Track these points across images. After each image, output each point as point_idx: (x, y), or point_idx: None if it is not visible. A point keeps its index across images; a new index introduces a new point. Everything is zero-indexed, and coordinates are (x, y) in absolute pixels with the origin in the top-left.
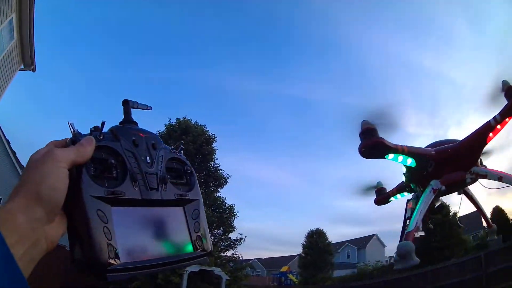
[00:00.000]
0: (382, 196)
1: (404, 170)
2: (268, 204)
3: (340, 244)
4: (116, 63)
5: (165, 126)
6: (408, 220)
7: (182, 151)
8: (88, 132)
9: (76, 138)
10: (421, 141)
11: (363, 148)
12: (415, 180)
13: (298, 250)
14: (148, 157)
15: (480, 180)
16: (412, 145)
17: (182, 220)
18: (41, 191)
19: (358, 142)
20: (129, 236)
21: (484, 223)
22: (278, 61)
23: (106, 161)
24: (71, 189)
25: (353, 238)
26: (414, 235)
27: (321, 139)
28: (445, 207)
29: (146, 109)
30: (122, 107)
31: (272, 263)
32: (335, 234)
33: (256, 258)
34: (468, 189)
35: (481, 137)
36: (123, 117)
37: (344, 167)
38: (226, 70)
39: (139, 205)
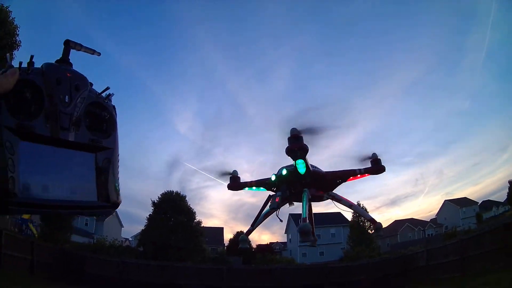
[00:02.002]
0: (237, 184)
1: (283, 172)
2: None
3: None
4: None
5: None
6: (273, 210)
7: (110, 98)
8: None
9: (7, 69)
10: None
11: (296, 148)
12: (290, 183)
13: None
14: (67, 97)
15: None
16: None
17: (91, 166)
18: None
19: None
20: (33, 173)
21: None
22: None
23: (25, 95)
24: None
25: None
26: (306, 219)
27: None
28: (190, 212)
29: (93, 54)
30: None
31: None
32: None
33: None
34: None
35: (344, 176)
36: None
37: None
38: None
39: (49, 144)
